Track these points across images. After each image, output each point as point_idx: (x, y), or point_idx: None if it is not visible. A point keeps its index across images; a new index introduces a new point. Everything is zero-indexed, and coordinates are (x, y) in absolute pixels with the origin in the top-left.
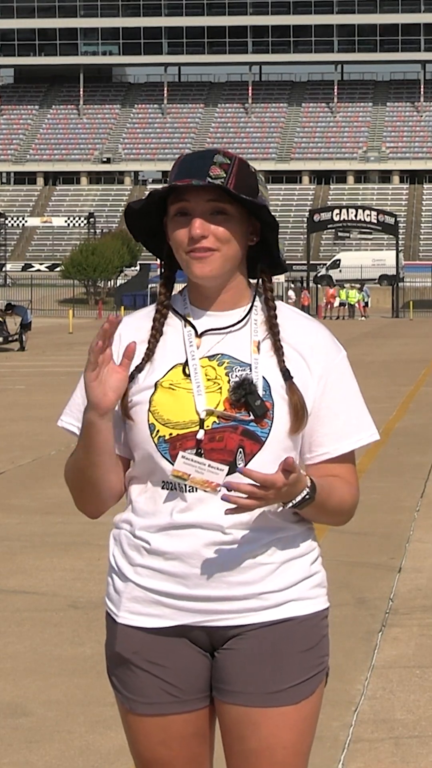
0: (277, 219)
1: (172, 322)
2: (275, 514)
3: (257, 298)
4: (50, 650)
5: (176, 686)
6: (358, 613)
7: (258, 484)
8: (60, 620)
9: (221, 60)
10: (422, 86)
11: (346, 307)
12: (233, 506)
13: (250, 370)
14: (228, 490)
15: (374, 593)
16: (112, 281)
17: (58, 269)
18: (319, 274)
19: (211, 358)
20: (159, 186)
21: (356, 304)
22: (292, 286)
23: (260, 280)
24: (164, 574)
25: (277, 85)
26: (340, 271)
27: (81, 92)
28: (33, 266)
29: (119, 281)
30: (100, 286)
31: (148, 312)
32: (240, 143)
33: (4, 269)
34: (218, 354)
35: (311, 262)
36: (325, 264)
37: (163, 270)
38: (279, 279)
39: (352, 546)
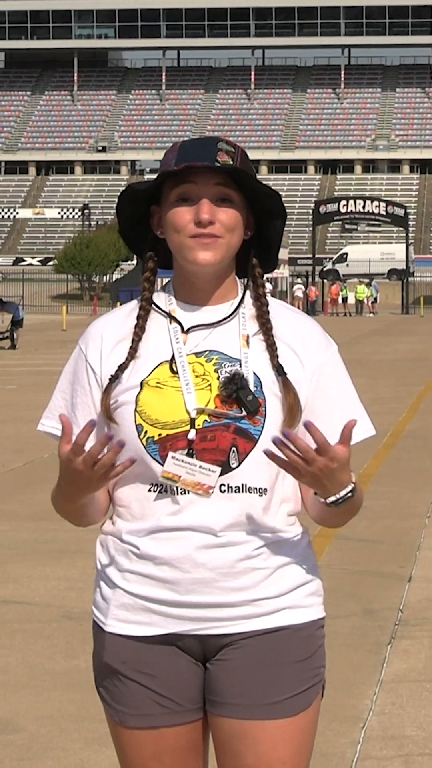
0: (262, 183)
1: (156, 318)
2: (269, 517)
3: (247, 292)
4: (43, 663)
5: (168, 697)
6: (366, 624)
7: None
8: (53, 632)
9: (222, 43)
10: None
11: (353, 303)
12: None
13: (240, 366)
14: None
15: (383, 604)
16: (108, 276)
17: (51, 263)
18: (325, 269)
19: (198, 354)
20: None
21: (365, 300)
22: (299, 281)
23: (252, 275)
24: (154, 579)
25: (281, 69)
26: (347, 265)
27: (75, 77)
28: (25, 260)
29: (115, 276)
30: (95, 281)
31: (130, 310)
32: (242, 131)
33: None
34: (206, 350)
35: (317, 255)
36: (332, 258)
37: (146, 264)
38: (283, 274)
39: (360, 554)
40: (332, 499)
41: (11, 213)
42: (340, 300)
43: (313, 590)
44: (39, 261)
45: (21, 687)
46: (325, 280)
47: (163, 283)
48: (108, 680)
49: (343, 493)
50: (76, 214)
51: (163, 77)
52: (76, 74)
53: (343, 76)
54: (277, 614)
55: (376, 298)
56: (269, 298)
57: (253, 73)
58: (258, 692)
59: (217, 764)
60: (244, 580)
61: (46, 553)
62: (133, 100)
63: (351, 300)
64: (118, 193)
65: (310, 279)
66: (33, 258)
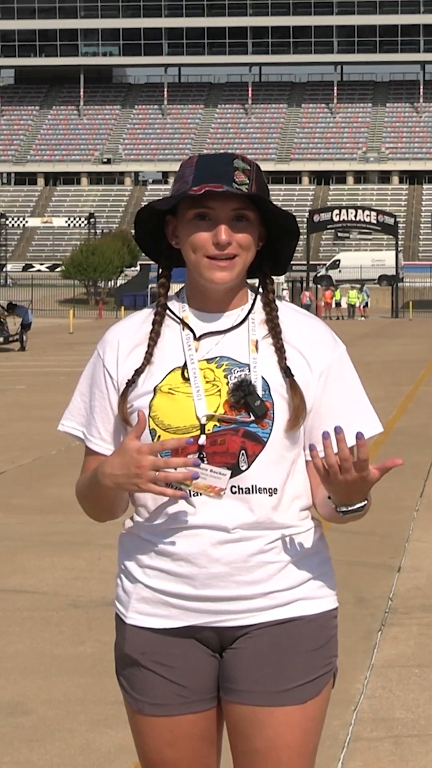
0: (277, 205)
1: (170, 325)
2: (281, 514)
3: (257, 298)
4: (51, 649)
5: (184, 687)
6: (357, 612)
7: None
8: (60, 619)
9: (221, 61)
10: (421, 87)
11: (345, 307)
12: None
13: (249, 370)
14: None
15: (374, 593)
16: (113, 281)
17: (58, 269)
18: (318, 275)
19: (209, 360)
20: (160, 186)
21: (356, 305)
22: (284, 286)
23: (263, 282)
24: (172, 575)
25: (276, 85)
26: (340, 271)
27: (81, 93)
28: (33, 266)
29: (119, 281)
30: (100, 287)
31: (146, 316)
32: (240, 144)
33: (4, 269)
34: (217, 356)
35: (311, 262)
36: (325, 264)
37: (161, 270)
38: (279, 279)
39: (352, 545)
40: (344, 509)
41: (21, 222)
42: (333, 304)
43: (326, 582)
44: (47, 267)
45: (30, 672)
46: (319, 286)
47: (177, 290)
48: (128, 670)
49: (357, 506)
50: (83, 222)
51: (165, 93)
52: (82, 90)
53: (335, 91)
54: (291, 605)
55: (367, 303)
56: (278, 301)
57: (250, 88)
58: (269, 680)
59: (230, 747)
60: (258, 574)
61: (53, 544)
62: (136, 115)
63: (343, 304)
64: (122, 202)
65: (304, 284)
66: (41, 264)
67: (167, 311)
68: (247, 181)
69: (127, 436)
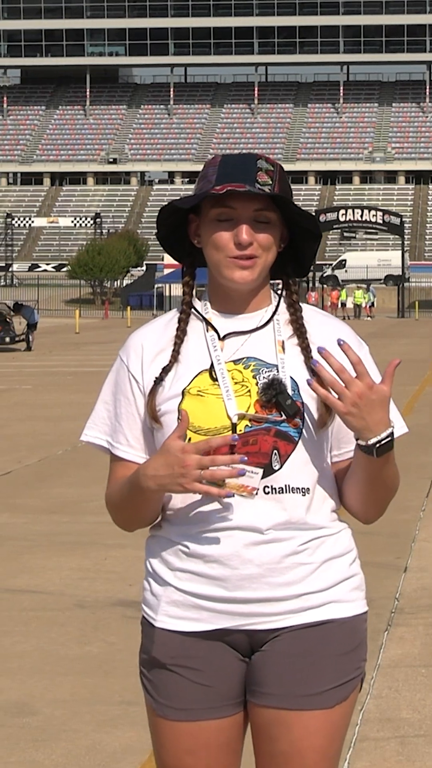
0: (300, 207)
1: (194, 326)
2: (313, 515)
3: (281, 299)
4: (57, 649)
5: (211, 691)
6: None
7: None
8: (66, 620)
9: (227, 61)
10: (428, 87)
11: (351, 307)
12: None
13: (277, 371)
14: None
15: (380, 593)
16: (119, 281)
17: (64, 269)
18: (324, 275)
19: (236, 362)
20: (166, 186)
21: (362, 304)
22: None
23: (285, 283)
24: (204, 577)
25: (283, 85)
26: (346, 271)
27: (87, 93)
28: (39, 266)
29: (125, 281)
30: (106, 286)
31: (168, 319)
32: (246, 144)
33: (11, 269)
34: (243, 357)
35: (317, 262)
36: (331, 264)
37: (184, 269)
38: None
39: (358, 545)
40: (373, 440)
41: (27, 222)
42: (339, 304)
43: (357, 584)
44: (53, 267)
45: (36, 672)
46: (325, 286)
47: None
48: (154, 674)
49: (384, 434)
50: (89, 222)
51: (171, 93)
52: (88, 90)
53: (342, 91)
54: (323, 608)
55: (373, 303)
56: (302, 304)
57: (256, 88)
58: (298, 683)
59: (254, 750)
60: (291, 575)
61: (60, 544)
62: (142, 115)
63: (349, 304)
64: (129, 202)
65: (309, 284)
66: (47, 264)
67: (192, 311)
68: (270, 182)
69: (170, 436)
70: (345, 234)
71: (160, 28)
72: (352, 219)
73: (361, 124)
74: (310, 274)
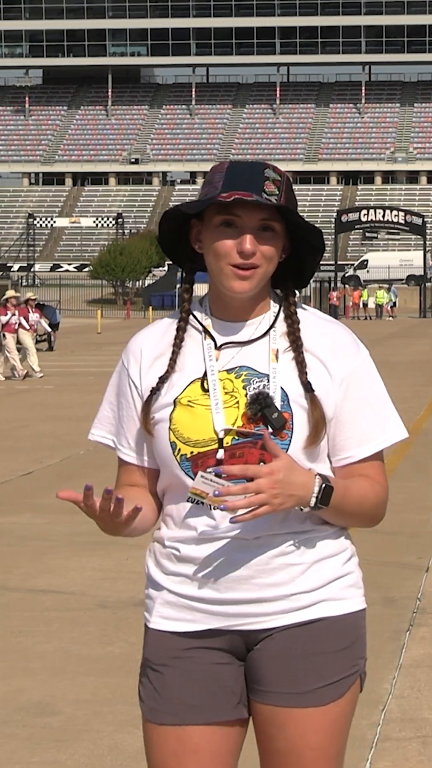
0: (306, 219)
1: (192, 333)
2: (301, 520)
3: (280, 310)
4: (79, 650)
5: (201, 696)
6: (385, 612)
7: (246, 479)
8: (88, 620)
9: (249, 61)
10: None
11: (373, 307)
12: (243, 513)
13: (268, 380)
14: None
15: (402, 592)
16: (141, 281)
17: (86, 269)
18: (346, 275)
19: (229, 371)
20: (188, 187)
21: (384, 305)
22: (312, 286)
23: (285, 294)
24: (195, 579)
25: (304, 86)
26: (368, 271)
27: (109, 93)
28: (61, 266)
29: (147, 281)
30: (128, 287)
31: (168, 324)
32: (268, 144)
33: (32, 269)
34: (237, 366)
35: (339, 262)
36: (353, 264)
37: (184, 275)
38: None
39: (380, 545)
40: (312, 501)
41: (49, 222)
42: (361, 304)
43: (352, 582)
44: (75, 267)
45: (58, 672)
46: (347, 286)
47: (200, 297)
48: (145, 676)
49: (316, 489)
50: (111, 222)
51: (193, 93)
52: (110, 90)
53: (363, 91)
54: (314, 607)
55: (395, 303)
56: (300, 310)
57: (278, 89)
58: (289, 681)
59: (257, 746)
60: (281, 576)
61: (81, 544)
62: (164, 115)
63: (371, 305)
64: (150, 203)
65: (331, 284)
66: (69, 264)
67: (191, 318)
68: (277, 192)
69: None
70: (367, 234)
71: (182, 28)
72: (373, 219)
73: (383, 124)
74: (332, 274)
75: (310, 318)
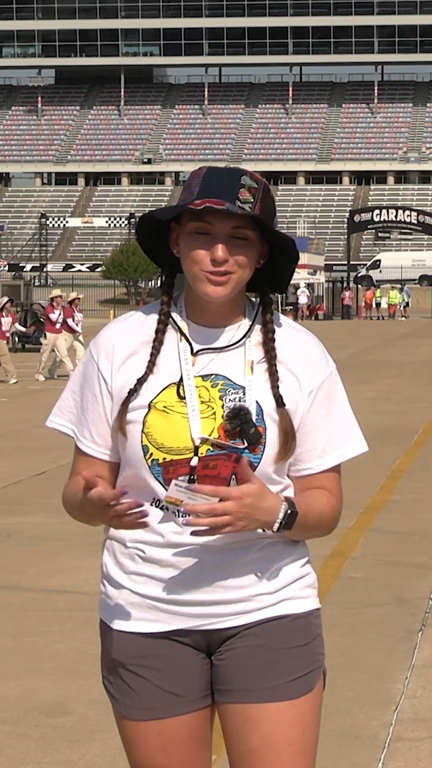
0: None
1: (169, 336)
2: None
3: (256, 317)
4: (92, 650)
5: (174, 689)
6: (398, 612)
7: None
8: None
9: (262, 61)
10: None
11: (386, 307)
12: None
13: (243, 393)
14: (185, 515)
15: (414, 593)
16: (153, 281)
17: (99, 269)
18: (359, 275)
19: (205, 377)
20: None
21: (397, 305)
22: (303, 285)
23: (263, 301)
24: (159, 580)
25: (317, 85)
26: (381, 271)
27: (122, 93)
28: (74, 266)
29: (160, 281)
30: (140, 287)
31: (142, 320)
32: (280, 144)
33: (45, 269)
34: (212, 374)
35: (352, 262)
36: (366, 264)
37: (164, 278)
38: (320, 279)
39: (392, 545)
40: (276, 525)
41: (61, 222)
42: (373, 304)
43: (309, 583)
44: (88, 267)
45: (71, 672)
46: (360, 286)
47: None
48: (115, 675)
49: (281, 515)
50: (123, 222)
51: (206, 93)
52: (122, 90)
53: (376, 91)
54: (277, 606)
55: (407, 303)
56: (278, 315)
57: (291, 88)
58: (260, 677)
59: (227, 752)
60: (245, 579)
61: (94, 544)
62: (177, 115)
63: (384, 304)
64: (163, 203)
65: (344, 284)
66: (82, 264)
67: (170, 320)
68: (252, 200)
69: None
70: (379, 234)
71: (195, 28)
72: (386, 219)
73: (395, 124)
74: (345, 274)
75: (283, 328)
